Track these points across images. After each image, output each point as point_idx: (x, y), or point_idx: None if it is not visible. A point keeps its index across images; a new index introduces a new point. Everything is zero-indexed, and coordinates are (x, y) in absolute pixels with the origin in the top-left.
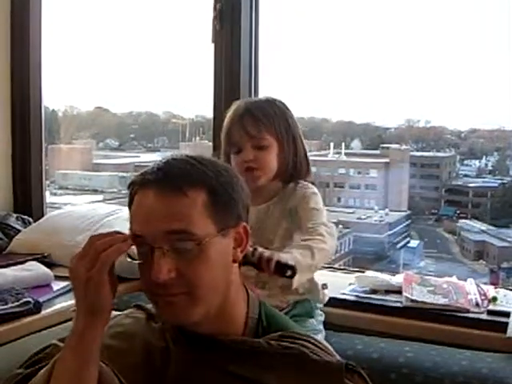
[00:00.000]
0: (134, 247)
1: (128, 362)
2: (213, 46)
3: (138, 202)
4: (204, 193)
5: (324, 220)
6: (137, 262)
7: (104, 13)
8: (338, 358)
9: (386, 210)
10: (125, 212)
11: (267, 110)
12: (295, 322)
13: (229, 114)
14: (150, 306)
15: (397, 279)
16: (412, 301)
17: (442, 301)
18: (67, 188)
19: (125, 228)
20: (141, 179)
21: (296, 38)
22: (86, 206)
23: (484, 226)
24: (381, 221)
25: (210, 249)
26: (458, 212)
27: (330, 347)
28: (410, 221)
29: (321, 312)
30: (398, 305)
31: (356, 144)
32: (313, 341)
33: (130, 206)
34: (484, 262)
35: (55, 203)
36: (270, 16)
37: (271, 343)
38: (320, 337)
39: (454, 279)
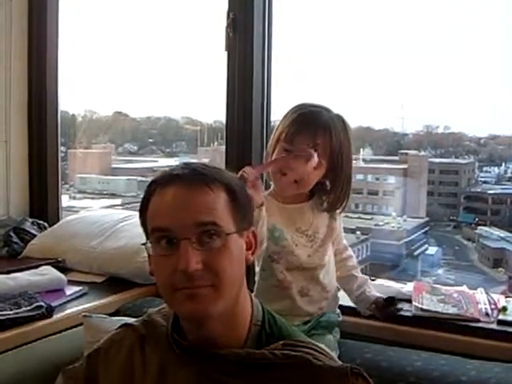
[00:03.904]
0: (149, 244)
1: None
2: (226, 53)
3: (164, 196)
4: (224, 192)
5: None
6: (159, 255)
7: (122, 20)
8: (341, 362)
9: (404, 216)
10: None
11: (338, 132)
12: (313, 337)
13: (300, 111)
14: (139, 323)
15: (407, 288)
16: (422, 310)
17: (451, 310)
18: (86, 192)
19: (140, 233)
20: (168, 175)
21: (311, 44)
22: (99, 211)
23: (503, 233)
24: (399, 227)
25: (232, 244)
26: (476, 219)
27: (333, 354)
28: (428, 227)
29: (338, 330)
30: (408, 314)
31: (367, 152)
32: (315, 347)
33: (147, 203)
34: (503, 270)
35: (74, 207)
36: (284, 23)
37: (275, 353)
38: (334, 354)
39: (464, 288)
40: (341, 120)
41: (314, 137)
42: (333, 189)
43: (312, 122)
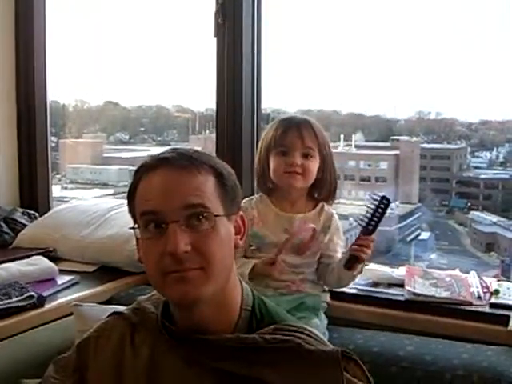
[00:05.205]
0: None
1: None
2: (215, 39)
3: (152, 180)
4: (212, 175)
5: None
6: (147, 239)
7: (111, 9)
8: (332, 346)
9: (397, 202)
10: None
11: (318, 127)
12: (300, 320)
13: (279, 122)
14: (129, 311)
15: (399, 272)
16: (414, 294)
17: (444, 294)
18: (78, 182)
19: (129, 221)
20: (156, 159)
21: (302, 29)
22: (90, 200)
23: (495, 218)
24: (391, 213)
25: (221, 227)
26: (468, 204)
27: (324, 338)
28: (420, 213)
29: (325, 317)
30: (400, 298)
31: (359, 137)
32: (307, 332)
33: (135, 189)
34: (495, 254)
35: (66, 197)
36: (273, 8)
37: (266, 338)
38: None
39: (456, 272)
40: (312, 120)
41: (300, 131)
42: (323, 176)
43: (293, 122)
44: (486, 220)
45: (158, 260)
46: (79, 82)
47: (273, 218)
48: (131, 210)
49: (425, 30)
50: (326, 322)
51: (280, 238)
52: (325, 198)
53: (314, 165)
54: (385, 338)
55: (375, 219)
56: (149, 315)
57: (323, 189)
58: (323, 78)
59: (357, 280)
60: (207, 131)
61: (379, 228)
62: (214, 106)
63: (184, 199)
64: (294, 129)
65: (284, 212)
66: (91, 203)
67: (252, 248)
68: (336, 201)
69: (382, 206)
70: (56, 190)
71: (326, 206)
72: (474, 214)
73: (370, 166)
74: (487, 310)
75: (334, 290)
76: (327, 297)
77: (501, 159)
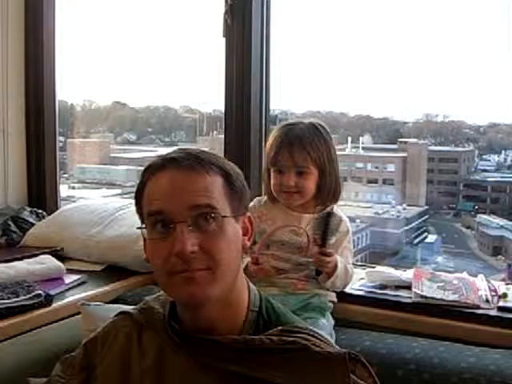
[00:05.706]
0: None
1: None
2: (224, 40)
3: (159, 180)
4: (220, 176)
5: (351, 260)
6: (155, 239)
7: (120, 9)
8: (339, 348)
9: (404, 204)
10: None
11: (315, 141)
12: (307, 321)
13: (276, 134)
14: (136, 310)
15: (407, 275)
16: (422, 296)
17: (451, 297)
18: (85, 182)
19: (137, 221)
20: (164, 159)
21: (311, 31)
22: (98, 199)
23: (502, 222)
24: (398, 216)
25: (228, 228)
26: (476, 207)
27: (331, 340)
28: (427, 216)
29: (332, 317)
30: (408, 300)
31: (367, 139)
32: (314, 333)
33: (142, 189)
34: (502, 258)
35: (73, 197)
36: (282, 9)
37: (273, 339)
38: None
39: (464, 275)
40: (312, 127)
41: (291, 151)
42: (325, 184)
43: (286, 139)
44: (494, 223)
45: (165, 260)
46: (87, 82)
47: (282, 217)
48: (139, 210)
49: (433, 32)
50: (332, 322)
51: (288, 236)
52: (329, 201)
53: (311, 180)
54: (392, 341)
55: (321, 233)
56: (156, 315)
57: (325, 194)
58: (331, 80)
59: (365, 282)
60: (215, 132)
61: (387, 230)
62: (221, 107)
63: (191, 199)
64: (286, 149)
65: (293, 211)
66: (99, 203)
67: None
68: (342, 203)
69: (325, 220)
70: (63, 190)
71: (335, 209)
72: (482, 217)
73: (377, 168)
74: (495, 313)
75: (341, 291)
76: (333, 296)
77: (509, 162)
